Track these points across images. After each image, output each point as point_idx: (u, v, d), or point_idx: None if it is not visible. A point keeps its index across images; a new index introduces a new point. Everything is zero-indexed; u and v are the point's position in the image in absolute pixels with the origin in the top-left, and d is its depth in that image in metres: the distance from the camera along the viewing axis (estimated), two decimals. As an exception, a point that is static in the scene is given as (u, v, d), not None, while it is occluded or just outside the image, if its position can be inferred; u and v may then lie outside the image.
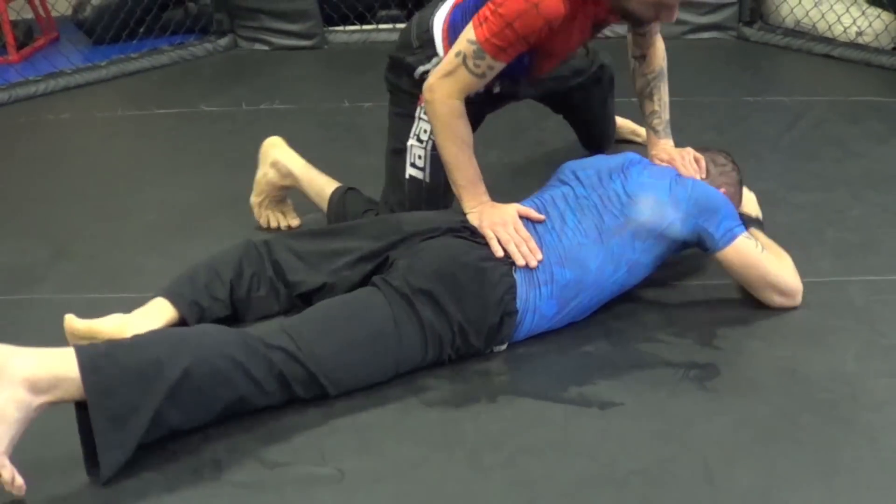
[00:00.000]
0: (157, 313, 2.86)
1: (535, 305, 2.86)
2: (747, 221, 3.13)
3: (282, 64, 5.64)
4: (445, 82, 3.00)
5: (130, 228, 3.75)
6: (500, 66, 2.99)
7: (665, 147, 3.39)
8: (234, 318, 2.98)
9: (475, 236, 2.91)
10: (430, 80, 3.04)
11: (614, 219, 2.95)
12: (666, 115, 3.45)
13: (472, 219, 2.99)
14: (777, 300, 3.04)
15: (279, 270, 3.00)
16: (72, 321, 2.83)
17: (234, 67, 5.67)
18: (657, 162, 3.31)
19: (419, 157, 3.36)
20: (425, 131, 3.33)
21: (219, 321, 2.86)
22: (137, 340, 2.43)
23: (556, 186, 3.15)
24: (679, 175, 3.13)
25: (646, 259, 2.97)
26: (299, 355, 2.55)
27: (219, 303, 2.95)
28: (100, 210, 3.92)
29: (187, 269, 3.00)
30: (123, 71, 5.60)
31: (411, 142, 3.37)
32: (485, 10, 2.94)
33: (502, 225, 2.92)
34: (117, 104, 5.13)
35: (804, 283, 3.09)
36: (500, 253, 2.84)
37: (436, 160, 3.23)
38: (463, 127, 3.04)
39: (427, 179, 3.35)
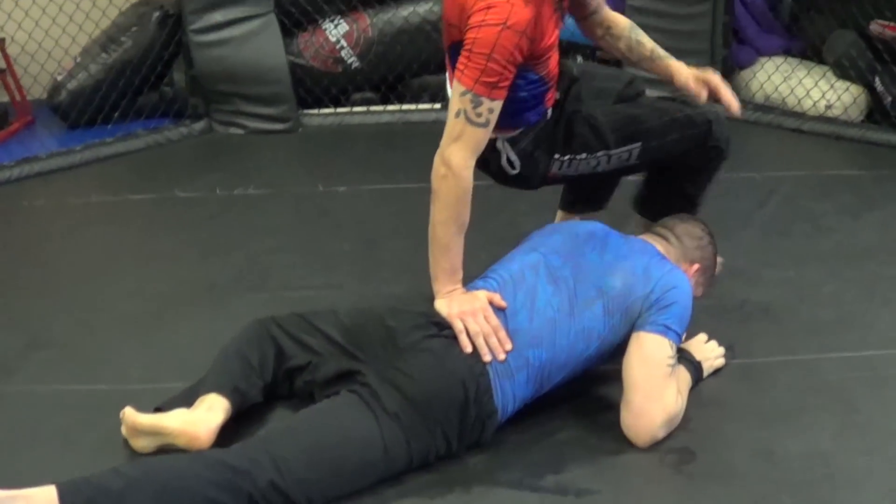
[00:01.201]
0: (217, 406, 2.84)
1: (513, 395, 2.82)
2: (687, 359, 3.07)
3: (257, 148, 5.63)
4: (457, 148, 2.90)
5: (104, 317, 3.73)
6: (498, 104, 2.92)
7: (683, 70, 3.39)
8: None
9: (442, 329, 2.86)
10: (442, 151, 2.93)
11: (587, 291, 2.91)
12: (661, 49, 3.45)
13: (441, 305, 2.93)
14: (645, 418, 2.79)
15: (285, 355, 2.99)
16: (134, 416, 2.80)
17: (209, 152, 5.65)
18: (690, 86, 3.36)
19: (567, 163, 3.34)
20: (561, 159, 3.32)
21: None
22: (123, 491, 2.40)
23: (525, 255, 3.08)
24: (661, 255, 3.10)
25: (612, 337, 2.91)
26: (283, 485, 2.52)
27: (255, 387, 2.94)
28: (73, 298, 3.90)
29: (217, 361, 2.99)
30: (98, 156, 5.58)
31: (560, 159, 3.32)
32: (461, 58, 2.89)
33: (472, 314, 2.85)
34: (91, 190, 5.12)
35: (778, 362, 3.11)
36: (468, 348, 2.79)
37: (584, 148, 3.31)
38: (468, 210, 2.96)
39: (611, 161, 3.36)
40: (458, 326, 2.83)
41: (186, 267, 4.12)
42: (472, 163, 2.95)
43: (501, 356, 2.80)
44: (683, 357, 3.03)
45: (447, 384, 2.73)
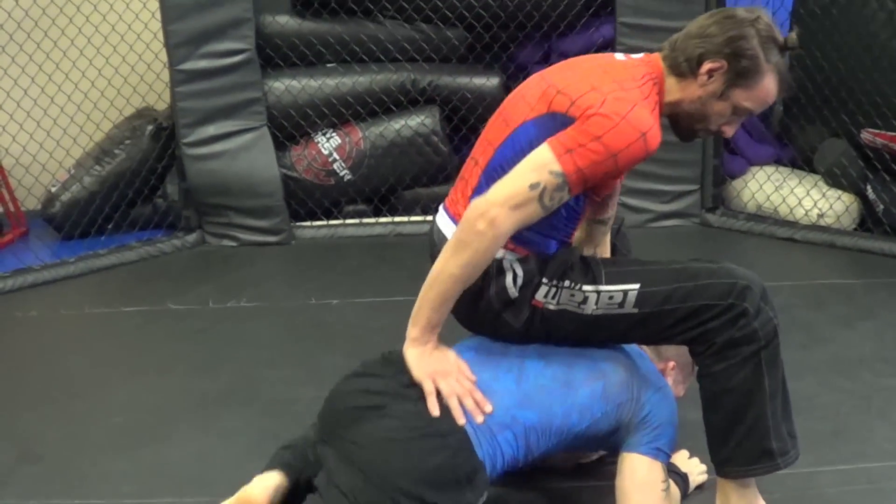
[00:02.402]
0: (270, 476, 2.85)
1: (501, 450, 2.71)
2: (674, 472, 3.03)
3: (249, 260, 5.65)
4: (512, 215, 2.63)
5: (96, 431, 3.70)
6: (566, 199, 2.69)
7: None
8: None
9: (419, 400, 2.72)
10: (492, 208, 2.63)
11: (589, 368, 2.82)
12: None
13: (411, 357, 2.77)
14: None
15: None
16: None
17: (201, 264, 5.67)
18: None
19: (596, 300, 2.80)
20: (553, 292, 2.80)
21: None
22: None
23: None
24: (653, 364, 3.06)
25: (600, 426, 2.80)
26: None
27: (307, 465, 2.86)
28: (65, 411, 3.87)
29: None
30: (91, 267, 5.59)
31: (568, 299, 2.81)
32: (574, 135, 2.63)
33: (443, 375, 2.73)
34: (84, 301, 5.12)
35: (774, 476, 3.07)
36: (435, 411, 2.65)
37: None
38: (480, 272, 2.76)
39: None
40: (429, 388, 2.70)
41: (178, 380, 4.10)
42: (511, 233, 2.70)
43: (479, 418, 2.68)
44: (670, 470, 3.00)
45: (407, 448, 2.62)
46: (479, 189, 2.81)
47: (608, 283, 2.77)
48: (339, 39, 5.89)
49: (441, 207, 3.02)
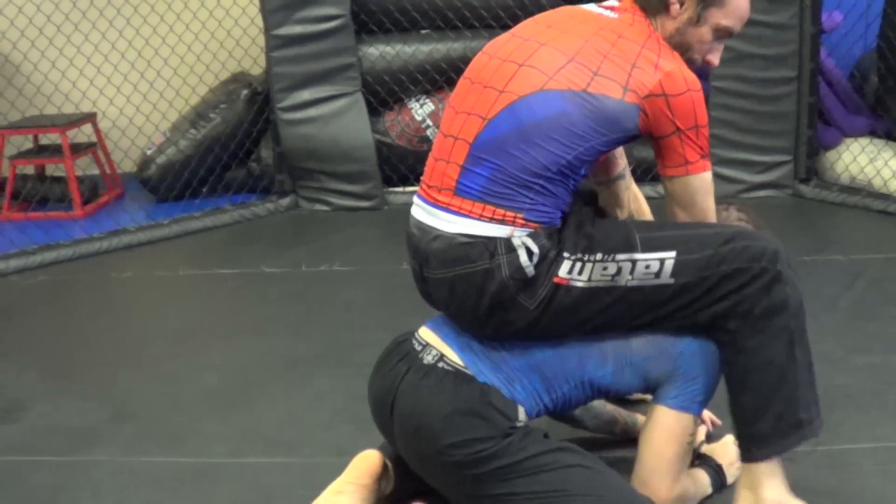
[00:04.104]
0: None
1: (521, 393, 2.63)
2: (708, 465, 2.93)
3: (342, 225, 5.71)
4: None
5: (190, 390, 3.75)
6: None
7: None
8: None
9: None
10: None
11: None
12: None
13: None
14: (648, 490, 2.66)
15: None
16: None
17: (295, 228, 5.75)
18: None
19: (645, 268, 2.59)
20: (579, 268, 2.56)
21: None
22: None
23: None
24: None
25: (627, 377, 2.69)
26: None
27: None
28: (159, 371, 3.94)
29: None
30: (186, 230, 5.69)
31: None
32: (690, 140, 2.58)
33: None
34: (179, 263, 5.21)
35: (863, 449, 3.05)
36: None
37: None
38: None
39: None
40: None
41: (271, 342, 4.15)
42: None
43: None
44: (705, 463, 2.94)
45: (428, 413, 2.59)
46: (467, 169, 2.59)
47: (644, 250, 2.57)
48: (433, 5, 5.91)
49: (417, 197, 2.75)
